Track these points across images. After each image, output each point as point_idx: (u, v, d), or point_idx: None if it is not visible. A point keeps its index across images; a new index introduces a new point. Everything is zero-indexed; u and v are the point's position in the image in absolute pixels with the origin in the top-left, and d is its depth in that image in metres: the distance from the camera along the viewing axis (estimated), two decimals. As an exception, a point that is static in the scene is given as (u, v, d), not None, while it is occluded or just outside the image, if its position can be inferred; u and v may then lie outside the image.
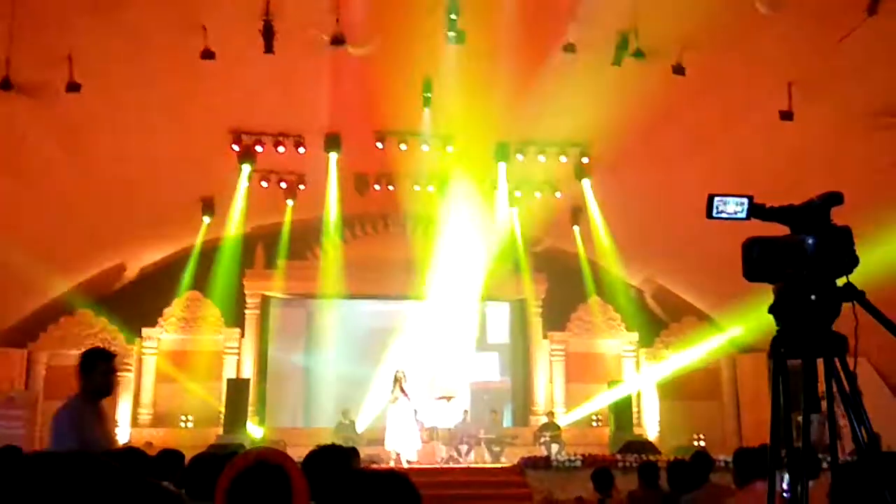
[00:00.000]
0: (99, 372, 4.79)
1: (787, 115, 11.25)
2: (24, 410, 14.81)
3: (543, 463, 13.42)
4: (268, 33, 10.21)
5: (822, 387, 2.17)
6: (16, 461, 1.00)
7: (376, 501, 1.68)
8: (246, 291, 17.20)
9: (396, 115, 13.33)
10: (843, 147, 11.54)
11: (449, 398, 16.06)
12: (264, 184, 15.11)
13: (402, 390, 14.46)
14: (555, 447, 15.21)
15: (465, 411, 16.34)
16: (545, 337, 17.95)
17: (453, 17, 10.19)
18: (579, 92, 12.23)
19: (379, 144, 13.99)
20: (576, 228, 16.59)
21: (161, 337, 17.04)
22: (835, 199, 2.19)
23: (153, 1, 9.98)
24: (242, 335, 17.13)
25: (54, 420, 4.70)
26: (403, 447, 14.08)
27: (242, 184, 14.73)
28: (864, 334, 2.18)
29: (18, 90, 10.17)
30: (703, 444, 16.39)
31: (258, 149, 14.01)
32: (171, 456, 5.19)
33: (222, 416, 15.66)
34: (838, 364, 2.10)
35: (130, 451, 5.10)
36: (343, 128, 13.68)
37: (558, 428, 16.13)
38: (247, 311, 17.23)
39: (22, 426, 14.24)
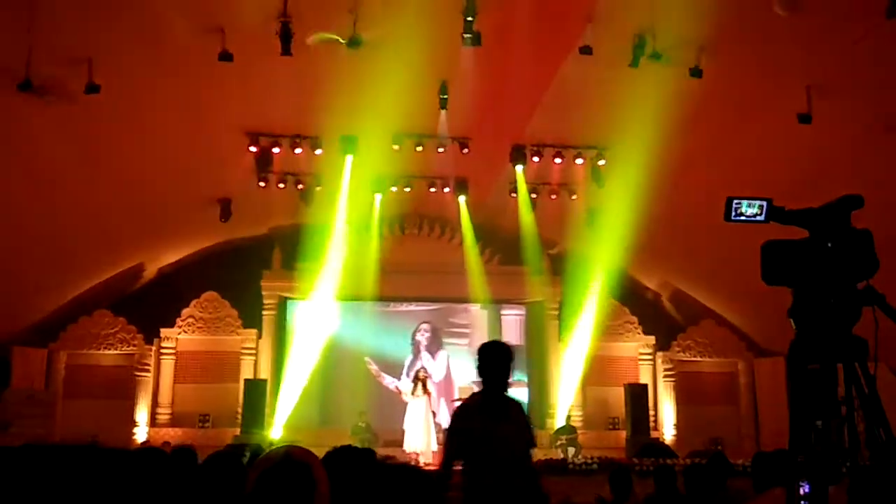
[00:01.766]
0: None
1: (805, 118, 11.16)
2: (43, 409, 14.93)
3: (560, 466, 13.37)
4: (285, 35, 10.24)
5: (841, 391, 2.14)
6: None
7: (395, 495, 1.67)
8: (263, 292, 17.25)
9: (413, 117, 13.35)
10: (862, 150, 11.44)
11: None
12: (281, 185, 15.16)
13: (426, 390, 14.48)
14: (571, 450, 15.16)
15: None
16: (561, 339, 17.89)
17: (469, 19, 10.18)
18: (596, 94, 12.20)
19: (395, 146, 14.01)
20: (591, 231, 16.51)
21: (179, 337, 17.13)
22: (855, 202, 2.16)
23: (172, 3, 10.04)
24: (260, 336, 17.20)
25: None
26: (423, 448, 14.06)
27: (259, 185, 14.79)
28: (884, 338, 2.16)
29: (38, 92, 10.26)
30: (720, 448, 16.28)
31: (275, 150, 14.06)
32: (183, 453, 5.19)
33: (240, 417, 15.74)
34: (858, 369, 2.08)
35: (147, 450, 5.10)
36: (359, 129, 13.71)
37: (575, 431, 16.07)
38: (264, 313, 17.29)
39: (41, 425, 14.34)
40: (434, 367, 17.51)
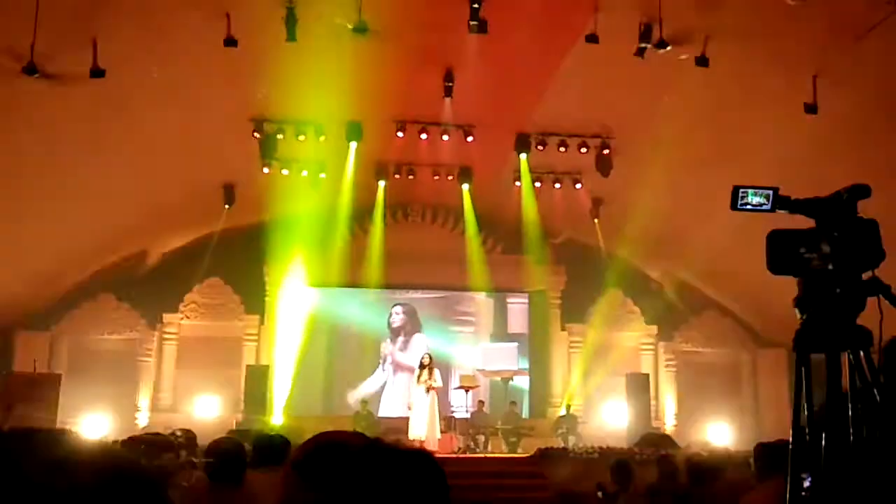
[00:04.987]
0: None
1: (811, 108, 11.12)
2: (45, 393, 14.95)
3: (560, 454, 13.41)
4: (290, 21, 10.22)
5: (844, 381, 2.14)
6: None
7: (401, 478, 1.65)
8: (266, 279, 17.27)
9: (417, 103, 13.32)
10: (868, 139, 11.40)
11: (468, 388, 16.07)
12: (285, 172, 15.15)
13: (432, 377, 14.48)
14: (572, 438, 15.21)
15: (481, 402, 16.32)
16: (563, 329, 17.91)
17: (476, 5, 10.14)
18: (601, 83, 12.16)
19: (399, 133, 13.99)
20: (596, 220, 16.51)
21: (182, 323, 17.16)
22: (862, 191, 2.15)
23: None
24: (262, 322, 17.23)
25: None
26: (427, 435, 14.07)
27: (263, 171, 14.77)
28: (888, 329, 2.16)
29: (43, 75, 10.24)
30: (721, 438, 16.32)
31: (279, 137, 14.04)
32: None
33: (242, 403, 15.78)
34: (863, 359, 2.07)
35: (156, 436, 5.13)
36: (364, 116, 13.68)
37: (575, 419, 16.11)
38: (267, 299, 17.32)
39: (43, 408, 14.37)
40: (405, 349, 17.49)
